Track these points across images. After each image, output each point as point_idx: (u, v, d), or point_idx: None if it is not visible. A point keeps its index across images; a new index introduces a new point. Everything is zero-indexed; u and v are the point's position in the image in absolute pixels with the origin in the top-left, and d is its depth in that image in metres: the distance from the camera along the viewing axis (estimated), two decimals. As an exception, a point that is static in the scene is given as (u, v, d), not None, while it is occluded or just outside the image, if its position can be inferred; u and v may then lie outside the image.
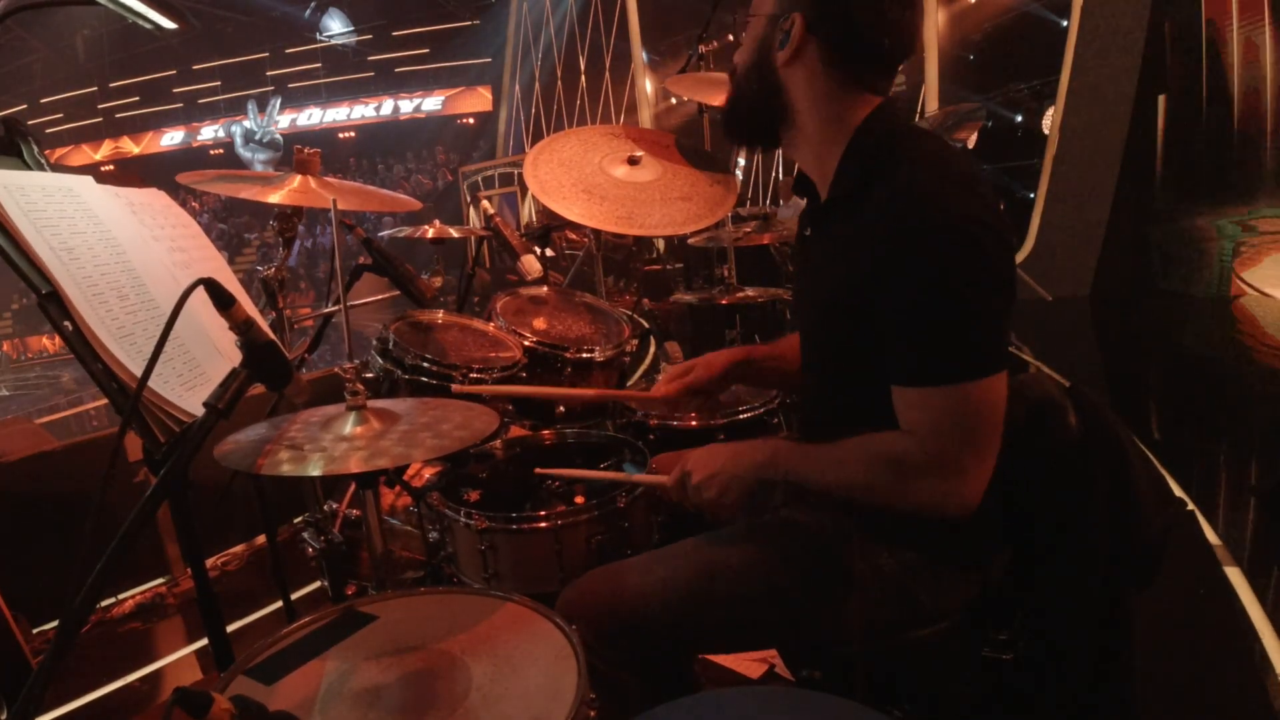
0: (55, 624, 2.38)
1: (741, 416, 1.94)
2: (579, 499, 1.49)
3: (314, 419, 1.24)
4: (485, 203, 2.67)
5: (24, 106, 16.80)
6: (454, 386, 1.66)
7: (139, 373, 1.01)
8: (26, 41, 16.72)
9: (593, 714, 0.90)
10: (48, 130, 18.02)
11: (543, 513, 1.39)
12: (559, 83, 13.10)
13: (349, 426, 1.19)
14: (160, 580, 2.84)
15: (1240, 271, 6.57)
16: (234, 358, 1.02)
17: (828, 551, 1.16)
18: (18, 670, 1.72)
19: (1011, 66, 7.94)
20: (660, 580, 1.17)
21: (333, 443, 1.15)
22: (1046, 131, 7.42)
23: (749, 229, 2.87)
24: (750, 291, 2.68)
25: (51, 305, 1.15)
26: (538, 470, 1.51)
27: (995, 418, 1.03)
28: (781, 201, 7.61)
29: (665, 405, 1.51)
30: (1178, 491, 2.94)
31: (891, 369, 1.06)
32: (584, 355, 2.03)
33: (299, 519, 2.53)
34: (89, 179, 1.39)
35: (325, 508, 1.98)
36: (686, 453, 1.25)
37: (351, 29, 17.31)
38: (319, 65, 18.17)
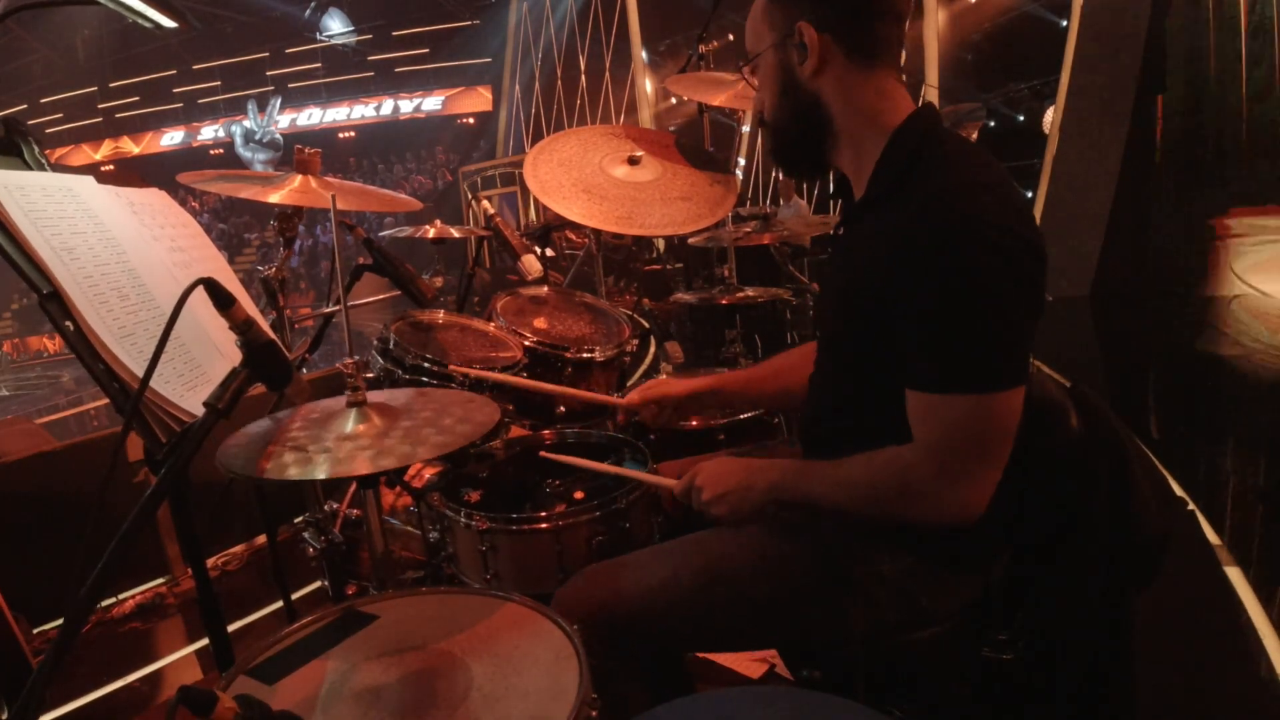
0: (55, 624, 2.38)
1: (742, 417, 1.94)
2: (578, 494, 1.50)
3: (314, 414, 1.23)
4: (485, 203, 2.67)
5: (24, 106, 16.82)
6: (451, 367, 1.74)
7: (140, 373, 1.01)
8: (26, 41, 16.73)
9: (594, 714, 0.90)
10: (48, 130, 18.04)
11: (543, 513, 1.39)
12: (559, 83, 13.11)
13: (350, 423, 1.19)
14: (160, 580, 2.84)
15: (1241, 270, 6.58)
16: (234, 358, 1.02)
17: (828, 554, 1.16)
18: (18, 670, 1.72)
19: (1011, 66, 7.96)
20: (660, 580, 1.17)
21: (336, 443, 1.14)
22: (1046, 131, 7.43)
23: (749, 229, 2.87)
24: (750, 291, 2.68)
25: (52, 305, 1.15)
26: (542, 454, 1.55)
27: (1009, 430, 1.03)
28: (781, 201, 7.61)
29: (630, 412, 1.60)
30: (1178, 491, 2.94)
31: (909, 373, 1.06)
32: (584, 355, 2.03)
33: (299, 519, 2.52)
34: (89, 179, 1.38)
35: (325, 508, 1.98)
36: (699, 465, 1.26)
37: (351, 29, 17.32)
38: (319, 65, 18.20)
